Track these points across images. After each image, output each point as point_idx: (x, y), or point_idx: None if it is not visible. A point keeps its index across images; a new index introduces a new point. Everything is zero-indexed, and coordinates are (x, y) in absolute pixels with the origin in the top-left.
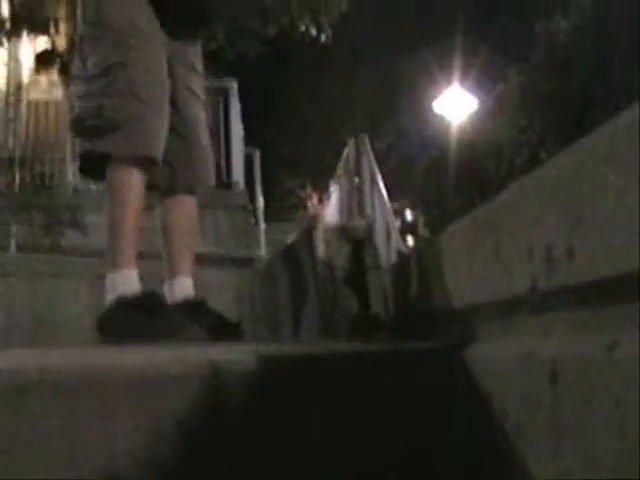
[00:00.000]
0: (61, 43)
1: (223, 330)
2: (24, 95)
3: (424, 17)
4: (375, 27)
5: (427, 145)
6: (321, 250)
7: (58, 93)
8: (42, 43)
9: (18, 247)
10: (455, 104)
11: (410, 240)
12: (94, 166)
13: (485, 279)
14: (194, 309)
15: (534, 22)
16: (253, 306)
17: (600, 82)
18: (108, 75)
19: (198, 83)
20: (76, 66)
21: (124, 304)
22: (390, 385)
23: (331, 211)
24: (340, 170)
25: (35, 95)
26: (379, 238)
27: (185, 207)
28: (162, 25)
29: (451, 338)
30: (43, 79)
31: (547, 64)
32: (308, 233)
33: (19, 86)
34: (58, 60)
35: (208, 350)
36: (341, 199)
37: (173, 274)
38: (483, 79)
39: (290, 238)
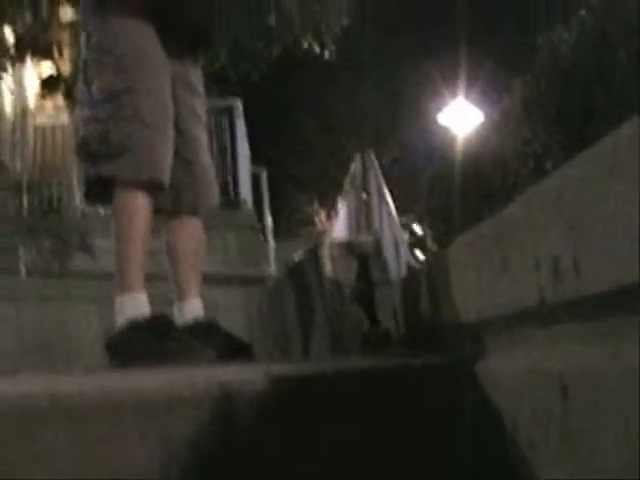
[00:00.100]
0: (65, 68)
1: (235, 351)
2: (30, 120)
3: (427, 30)
4: (378, 41)
5: (432, 158)
6: (328, 267)
7: (64, 117)
8: (47, 68)
9: (27, 271)
10: (460, 117)
11: (419, 254)
12: (100, 191)
13: (493, 292)
14: (205, 330)
15: (537, 34)
16: (263, 325)
17: (602, 93)
18: (113, 100)
19: (200, 105)
20: (80, 91)
21: (134, 327)
22: (400, 401)
23: (339, 227)
24: (347, 186)
25: (41, 120)
26: (388, 252)
27: (190, 228)
28: (163, 45)
29: (461, 352)
30: (49, 104)
31: (549, 76)
32: (314, 251)
33: (25, 111)
34: (63, 85)
35: (219, 371)
36: (349, 214)
37: (182, 296)
38: (488, 92)
39: (297, 256)
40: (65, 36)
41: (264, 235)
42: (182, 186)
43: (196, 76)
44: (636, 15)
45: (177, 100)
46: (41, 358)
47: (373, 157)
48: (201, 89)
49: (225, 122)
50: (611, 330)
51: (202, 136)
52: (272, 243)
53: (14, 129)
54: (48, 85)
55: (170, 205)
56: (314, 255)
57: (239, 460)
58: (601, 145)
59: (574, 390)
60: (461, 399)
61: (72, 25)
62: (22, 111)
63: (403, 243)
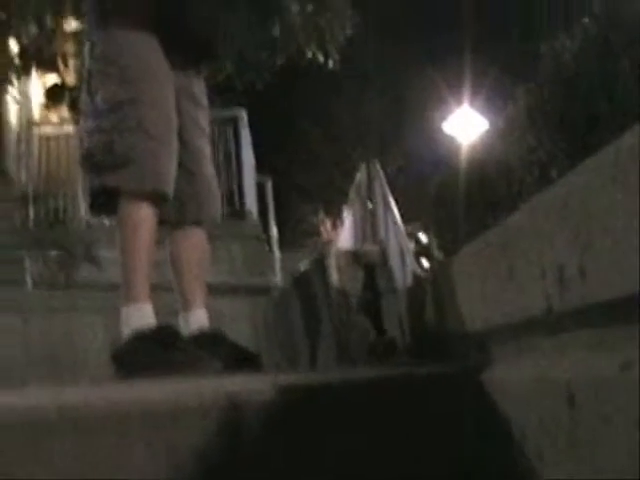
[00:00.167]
0: (70, 79)
1: (241, 361)
2: (35, 131)
3: (432, 38)
4: (382, 50)
5: (438, 166)
6: (334, 277)
7: (69, 128)
8: (51, 79)
9: (34, 283)
10: (465, 125)
11: (425, 262)
12: (104, 202)
13: (499, 301)
14: (210, 340)
15: (541, 42)
16: (269, 335)
17: (605, 101)
18: (117, 111)
19: (203, 117)
20: (84, 101)
21: (140, 338)
22: (406, 410)
23: (345, 236)
24: (352, 195)
25: (46, 130)
26: (394, 261)
27: (194, 239)
28: (167, 56)
29: (467, 361)
30: (53, 114)
31: (553, 84)
32: (320, 261)
33: (30, 122)
34: (68, 95)
35: (226, 382)
36: (355, 224)
37: (187, 307)
38: (493, 100)
39: (303, 266)
40: (70, 47)
41: (269, 245)
42: (186, 197)
43: (199, 88)
44: (639, 23)
45: (181, 112)
46: (48, 369)
47: (378, 166)
48: (205, 101)
49: (230, 132)
50: (618, 338)
51: (205, 148)
52: (277, 253)
53: (19, 140)
54: (53, 95)
55: (174, 216)
56: (320, 265)
57: (246, 471)
58: (604, 154)
59: (581, 399)
60: (467, 408)
61: (76, 36)
62: (27, 122)
63: (409, 252)
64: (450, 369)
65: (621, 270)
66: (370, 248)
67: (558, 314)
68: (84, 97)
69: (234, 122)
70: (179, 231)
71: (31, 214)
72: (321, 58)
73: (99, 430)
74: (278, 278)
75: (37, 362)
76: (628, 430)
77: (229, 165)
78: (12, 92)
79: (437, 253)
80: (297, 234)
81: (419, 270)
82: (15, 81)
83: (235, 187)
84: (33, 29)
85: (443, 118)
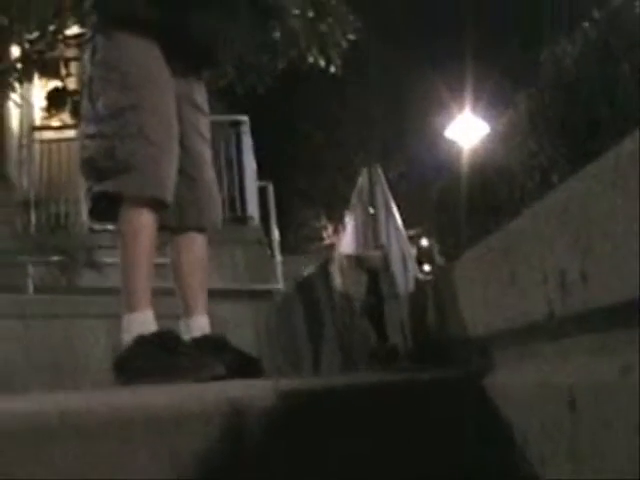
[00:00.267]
0: (72, 84)
1: (244, 366)
2: (37, 136)
3: (433, 44)
4: (384, 55)
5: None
6: (338, 281)
7: (70, 133)
8: (53, 84)
9: (35, 288)
10: (466, 130)
11: (427, 267)
12: (104, 208)
13: (501, 306)
14: (213, 345)
15: (542, 47)
16: (272, 340)
17: (605, 106)
18: (118, 117)
19: (204, 122)
20: (85, 107)
21: (140, 342)
22: (409, 415)
23: (347, 241)
24: (354, 200)
25: (48, 135)
26: (396, 267)
27: (195, 245)
28: (168, 63)
29: (469, 366)
30: (55, 119)
31: (554, 89)
32: (324, 265)
33: (31, 128)
34: (70, 100)
35: (229, 387)
36: (356, 229)
37: (188, 313)
38: (494, 105)
39: (306, 270)
40: (71, 52)
41: (271, 250)
42: (186, 203)
43: (200, 94)
44: (639, 27)
45: (182, 119)
46: (49, 375)
47: (380, 171)
48: (206, 107)
49: (231, 137)
50: (619, 342)
51: (206, 153)
52: (279, 258)
53: (21, 145)
54: (54, 100)
55: (174, 222)
56: (324, 269)
57: (249, 476)
58: (604, 159)
59: (582, 404)
60: (469, 413)
61: (78, 41)
62: (29, 127)
63: (411, 257)
64: (452, 374)
65: (621, 275)
66: (373, 253)
67: (560, 319)
68: (85, 103)
69: (236, 127)
70: (180, 237)
71: (33, 219)
72: (323, 63)
73: (102, 436)
74: (280, 283)
75: (39, 367)
76: (628, 434)
77: (231, 170)
78: (14, 97)
79: (439, 258)
80: (299, 239)
81: (421, 275)
82: (17, 86)
83: (237, 192)
84: (35, 34)
85: (445, 123)
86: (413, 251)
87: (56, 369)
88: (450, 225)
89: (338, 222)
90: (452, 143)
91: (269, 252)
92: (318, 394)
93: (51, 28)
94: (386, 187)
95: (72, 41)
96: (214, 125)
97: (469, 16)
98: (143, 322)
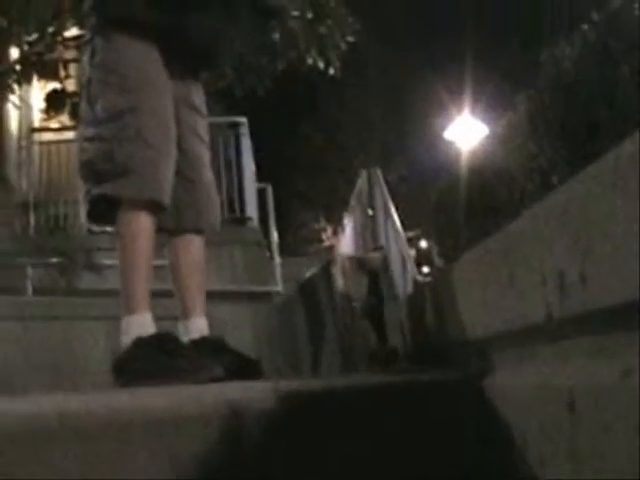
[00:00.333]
0: (71, 86)
1: (242, 368)
2: (36, 137)
3: (433, 46)
4: (383, 57)
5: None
6: (339, 282)
7: (69, 134)
8: (52, 86)
9: (34, 290)
10: (466, 132)
11: (426, 269)
12: (103, 211)
13: (500, 308)
14: (211, 347)
15: (541, 49)
16: (271, 341)
17: (605, 108)
18: (117, 120)
19: (202, 124)
20: (84, 109)
21: (141, 345)
22: (408, 417)
23: (346, 242)
24: (353, 202)
25: (47, 137)
26: (395, 268)
27: (192, 247)
28: (166, 66)
29: (468, 368)
30: (54, 121)
31: (553, 90)
32: (326, 267)
33: (30, 129)
34: (69, 102)
35: (227, 389)
36: (355, 230)
37: (187, 314)
38: (493, 107)
39: (308, 272)
40: (70, 54)
41: (270, 252)
42: (183, 205)
43: (198, 96)
44: (638, 29)
45: (180, 121)
46: (48, 376)
47: (379, 173)
48: (203, 109)
49: (231, 139)
50: (619, 345)
51: (205, 155)
52: (278, 260)
53: (20, 147)
54: (53, 102)
55: (172, 224)
56: (326, 271)
57: (248, 478)
58: (604, 161)
59: (581, 406)
60: (468, 414)
61: (77, 43)
62: (28, 129)
63: (409, 259)
64: (451, 376)
65: (621, 276)
66: (373, 255)
67: (558, 321)
68: (83, 105)
69: (235, 128)
70: (178, 239)
71: (32, 221)
72: (322, 65)
73: (101, 437)
74: (279, 285)
75: (38, 369)
76: (628, 436)
77: (230, 172)
78: (12, 99)
79: (438, 260)
80: (298, 241)
81: (420, 277)
82: (15, 88)
83: (236, 194)
84: (34, 36)
85: (444, 125)
86: (412, 253)
87: (55, 371)
88: (449, 227)
89: (337, 224)
90: (451, 145)
91: (268, 254)
92: (318, 395)
93: (50, 30)
94: (385, 189)
95: (71, 43)
96: (213, 127)
97: (468, 17)
98: (142, 324)
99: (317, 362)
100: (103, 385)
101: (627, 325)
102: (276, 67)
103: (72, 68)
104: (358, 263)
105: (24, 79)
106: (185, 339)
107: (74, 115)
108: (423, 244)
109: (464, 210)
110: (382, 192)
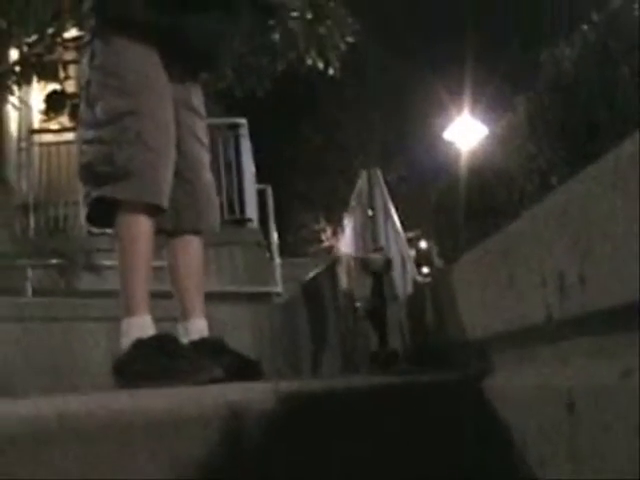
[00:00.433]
0: (71, 87)
1: (242, 369)
2: (35, 139)
3: (433, 47)
4: (383, 58)
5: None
6: (343, 281)
7: (69, 136)
8: (52, 87)
9: (34, 291)
10: (465, 132)
11: (425, 269)
12: (102, 214)
13: (500, 309)
14: (211, 348)
15: (541, 50)
16: (271, 342)
17: (605, 108)
18: (117, 122)
19: (201, 126)
20: (83, 111)
21: (141, 346)
22: (408, 418)
23: (345, 243)
24: (353, 202)
25: (46, 138)
26: (395, 269)
27: (191, 248)
28: (166, 68)
29: (467, 369)
30: (54, 122)
31: (553, 91)
32: (331, 267)
33: (30, 131)
34: (68, 103)
35: (227, 390)
36: (355, 231)
37: (186, 315)
38: (493, 107)
39: (308, 273)
40: (70, 55)
41: (270, 252)
42: (182, 207)
43: (197, 97)
44: (637, 29)
45: (179, 123)
46: (48, 378)
47: (379, 174)
48: (202, 110)
49: (230, 140)
50: (618, 346)
51: (204, 157)
52: (278, 260)
53: (19, 149)
54: (53, 103)
55: (171, 225)
56: (331, 270)
57: (248, 479)
58: (604, 161)
59: (581, 406)
60: (468, 415)
61: (77, 44)
62: (27, 131)
63: (409, 259)
64: (451, 377)
65: (621, 277)
66: (376, 256)
67: (558, 322)
68: (83, 107)
69: (234, 129)
70: (176, 240)
71: (32, 222)
72: (321, 65)
73: (101, 439)
74: (279, 286)
75: (37, 370)
76: (628, 437)
77: (229, 172)
78: (12, 100)
79: (437, 260)
80: (298, 241)
81: (420, 277)
82: (15, 89)
83: (235, 195)
84: (33, 37)
85: (444, 125)
86: (412, 253)
87: (55, 372)
88: (449, 227)
89: (337, 224)
90: (451, 145)
91: (268, 255)
92: (318, 396)
93: (50, 31)
94: (385, 189)
95: (71, 44)
96: (212, 128)
97: (468, 18)
98: (142, 326)
99: (317, 363)
100: (103, 386)
101: (627, 326)
102: (276, 68)
103: (72, 69)
104: (362, 264)
105: (24, 80)
106: (185, 340)
107: (74, 116)
108: (423, 245)
109: (464, 211)
110: (382, 192)
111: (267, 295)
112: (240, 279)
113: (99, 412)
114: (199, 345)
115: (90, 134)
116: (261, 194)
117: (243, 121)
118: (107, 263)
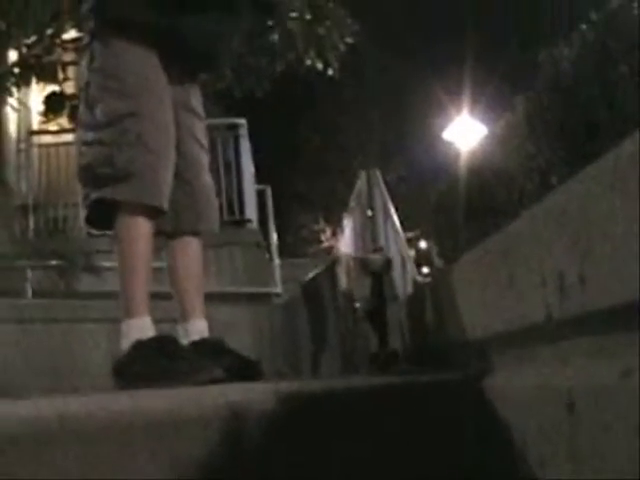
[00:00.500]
0: (70, 89)
1: (243, 369)
2: (35, 140)
3: (432, 47)
4: (382, 58)
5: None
6: (343, 282)
7: (68, 137)
8: (51, 88)
9: (34, 292)
10: (465, 133)
11: (425, 269)
12: (101, 215)
13: (500, 309)
14: (211, 349)
15: (540, 50)
16: (271, 343)
17: (604, 108)
18: (117, 124)
19: (200, 127)
20: (83, 113)
21: (141, 348)
22: (408, 418)
23: (345, 243)
24: (353, 203)
25: (45, 140)
26: (395, 269)
27: (190, 249)
28: (165, 69)
29: (467, 368)
30: (53, 123)
31: (552, 91)
32: (331, 267)
33: (29, 132)
34: (67, 104)
35: (227, 390)
36: (355, 231)
37: (186, 316)
38: (492, 107)
39: (308, 273)
40: (69, 56)
41: (269, 253)
42: (182, 208)
43: (196, 98)
44: (637, 28)
45: (179, 125)
46: (48, 379)
47: (378, 174)
48: (201, 111)
49: (230, 141)
50: (618, 345)
51: (203, 158)
52: (277, 261)
53: (19, 150)
54: (52, 104)
55: (170, 227)
56: (331, 270)
57: (248, 478)
58: (603, 161)
59: (581, 406)
60: (468, 415)
61: (76, 45)
62: (27, 132)
63: (409, 259)
64: (451, 377)
65: (621, 277)
66: (376, 256)
67: (558, 322)
68: (82, 108)
69: (234, 130)
70: (176, 241)
71: (31, 224)
72: (320, 66)
73: (101, 440)
74: (278, 286)
75: (37, 371)
76: (628, 437)
77: (229, 173)
78: (11, 101)
79: (437, 260)
80: (297, 242)
81: (419, 277)
82: (14, 90)
83: (235, 195)
84: (32, 38)
85: (443, 125)
86: (411, 253)
87: (55, 373)
88: (448, 227)
89: (336, 225)
90: (450, 145)
91: (267, 255)
92: (318, 397)
93: (49, 32)
94: (384, 190)
95: (70, 45)
96: (212, 128)
97: (467, 18)
98: (141, 328)
99: (317, 363)
100: (103, 388)
101: (627, 326)
102: (275, 68)
103: (71, 70)
104: (361, 264)
105: (23, 82)
106: (184, 341)
107: (73, 118)
108: (423, 245)
109: (463, 210)
110: (381, 193)
111: (267, 296)
112: (240, 280)
113: (99, 413)
114: (199, 346)
115: (90, 136)
116: (260, 195)
117: (242, 121)
118: (107, 264)
